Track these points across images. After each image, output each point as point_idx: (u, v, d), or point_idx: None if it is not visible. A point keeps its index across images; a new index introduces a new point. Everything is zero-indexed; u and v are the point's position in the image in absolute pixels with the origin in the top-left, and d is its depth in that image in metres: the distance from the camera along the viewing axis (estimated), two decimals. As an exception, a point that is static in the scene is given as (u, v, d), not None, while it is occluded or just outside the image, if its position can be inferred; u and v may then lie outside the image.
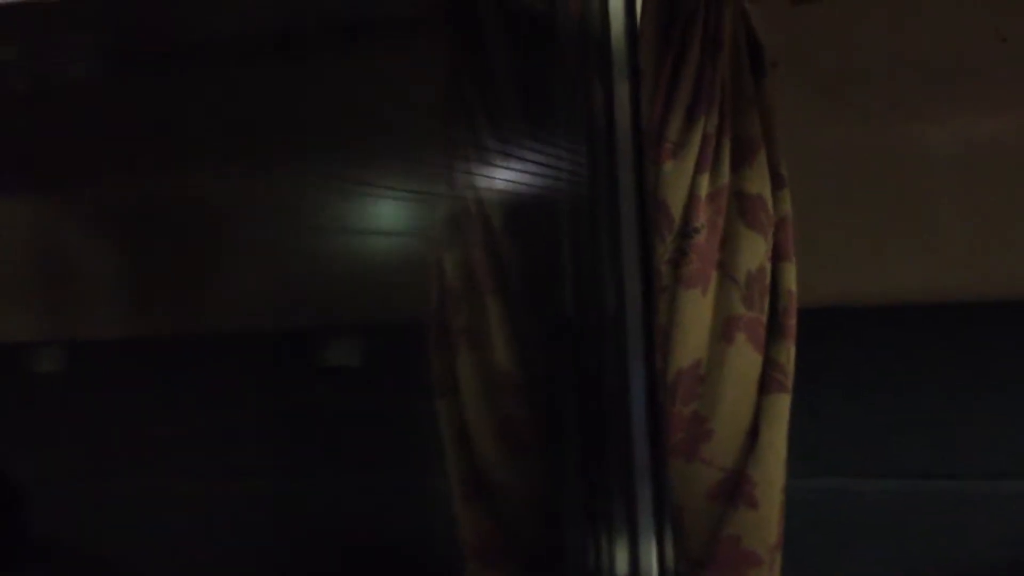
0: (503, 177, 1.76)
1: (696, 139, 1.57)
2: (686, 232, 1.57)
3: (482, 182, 1.74)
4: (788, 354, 1.59)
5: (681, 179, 1.57)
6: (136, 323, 2.99)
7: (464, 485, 1.76)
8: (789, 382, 1.59)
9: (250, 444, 2.65)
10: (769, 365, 1.58)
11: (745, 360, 1.57)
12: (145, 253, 3.00)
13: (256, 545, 2.57)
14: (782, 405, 1.58)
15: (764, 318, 1.59)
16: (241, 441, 2.66)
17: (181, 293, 2.91)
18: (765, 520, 1.56)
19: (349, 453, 2.60)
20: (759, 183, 1.61)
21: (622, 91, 1.75)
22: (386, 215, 2.63)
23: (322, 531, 2.56)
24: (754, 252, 1.59)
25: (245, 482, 2.68)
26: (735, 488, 1.57)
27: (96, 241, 3.08)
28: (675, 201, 1.58)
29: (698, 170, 1.57)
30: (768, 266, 1.60)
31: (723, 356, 1.57)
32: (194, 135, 2.80)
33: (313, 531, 2.57)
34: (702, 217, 1.57)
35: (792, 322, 1.60)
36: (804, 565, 1.76)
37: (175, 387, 2.75)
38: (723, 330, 1.58)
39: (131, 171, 2.88)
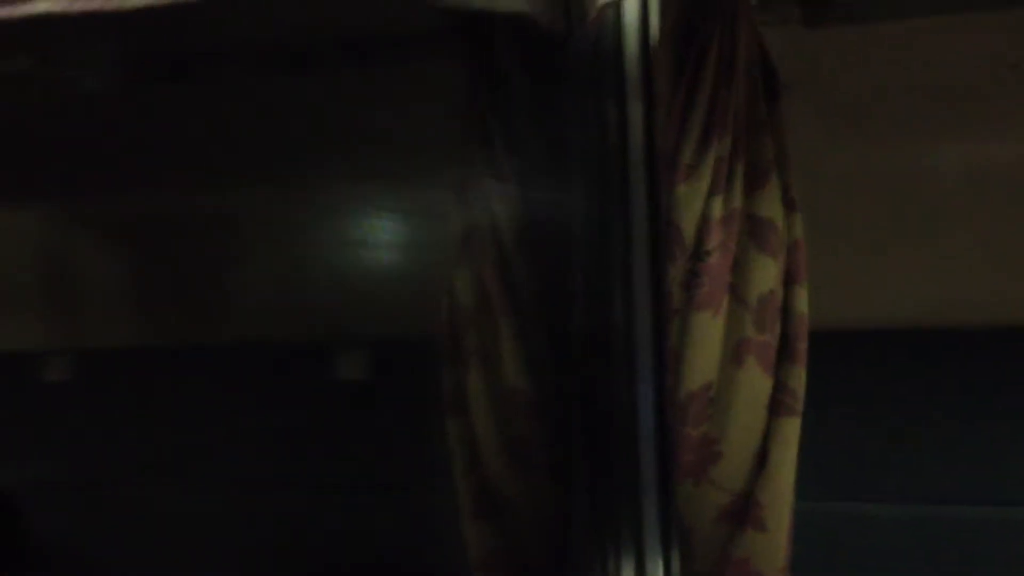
0: (516, 196, 1.76)
1: (710, 162, 1.58)
2: (698, 255, 1.58)
3: (495, 201, 1.75)
4: (798, 378, 1.59)
5: (694, 202, 1.58)
6: (145, 332, 3.00)
7: (472, 502, 1.77)
8: (799, 406, 1.59)
9: (260, 456, 2.66)
10: (779, 388, 1.59)
11: (755, 383, 1.57)
12: (160, 264, 3.02)
13: (260, 555, 2.57)
14: (792, 428, 1.58)
15: (775, 341, 1.59)
16: (250, 452, 2.67)
17: (196, 303, 2.93)
18: (773, 543, 1.56)
19: (357, 467, 2.61)
20: (771, 207, 1.61)
21: (636, 113, 1.75)
22: (399, 232, 2.64)
23: (326, 544, 2.57)
24: (766, 275, 1.59)
25: (253, 493, 2.69)
26: (744, 511, 1.57)
27: (107, 252, 3.09)
28: (688, 224, 1.58)
29: (711, 193, 1.58)
30: (779, 290, 1.60)
31: (733, 379, 1.58)
32: (210, 150, 2.83)
33: (318, 544, 2.58)
34: (714, 240, 1.57)
35: (803, 346, 1.60)
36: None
37: (187, 396, 2.77)
38: (734, 353, 1.58)
39: (149, 184, 2.90)
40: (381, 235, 2.75)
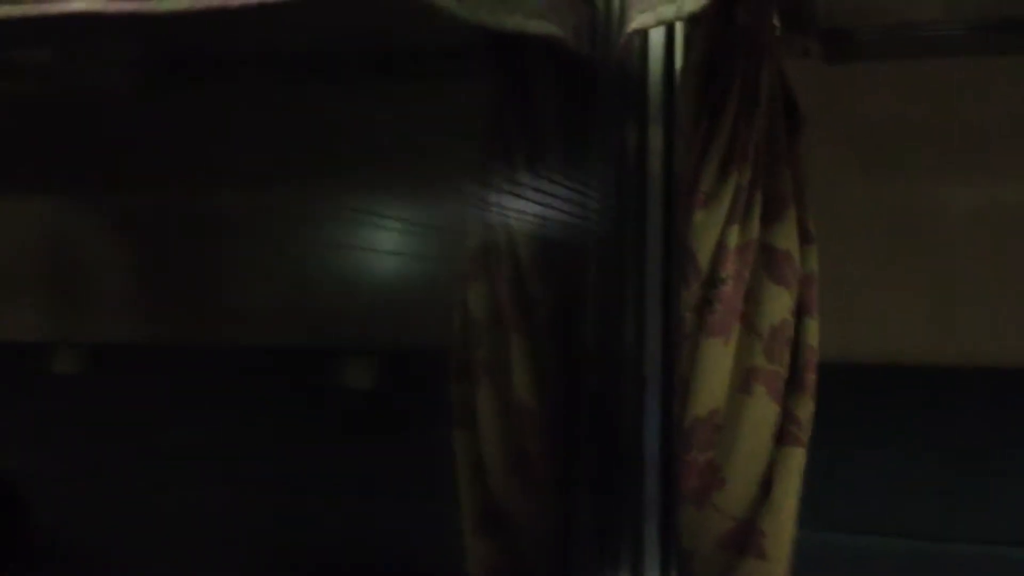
0: (534, 214, 1.78)
1: (728, 191, 1.59)
2: (712, 282, 1.59)
3: (514, 218, 1.77)
4: (806, 409, 1.60)
5: (711, 229, 1.59)
6: (156, 331, 3.02)
7: (476, 516, 1.78)
8: (805, 437, 1.60)
9: (263, 459, 2.67)
10: (787, 418, 1.60)
11: (763, 412, 1.59)
12: (173, 264, 3.03)
13: (260, 558, 2.58)
14: (797, 459, 1.59)
15: (784, 372, 1.60)
16: (254, 455, 2.68)
17: (207, 305, 2.94)
18: (773, 572, 1.57)
19: (359, 475, 2.62)
20: (788, 238, 1.63)
21: (656, 138, 1.78)
22: (414, 243, 2.66)
23: (328, 551, 2.57)
24: (778, 306, 1.60)
25: (256, 496, 2.69)
26: (745, 538, 1.58)
27: (120, 250, 3.11)
28: (703, 250, 1.60)
29: (728, 222, 1.59)
30: (791, 321, 1.61)
31: (741, 407, 1.59)
32: (228, 153, 2.84)
33: (319, 550, 2.58)
34: (729, 268, 1.58)
35: (812, 377, 1.61)
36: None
37: (193, 396, 2.78)
38: (743, 381, 1.59)
39: (165, 184, 2.92)
40: (396, 245, 2.77)
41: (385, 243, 2.77)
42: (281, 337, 2.84)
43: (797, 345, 1.62)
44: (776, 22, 1.71)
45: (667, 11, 1.47)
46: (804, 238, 1.65)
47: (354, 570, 2.53)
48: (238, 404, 2.79)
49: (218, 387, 2.79)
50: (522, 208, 1.78)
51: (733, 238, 1.59)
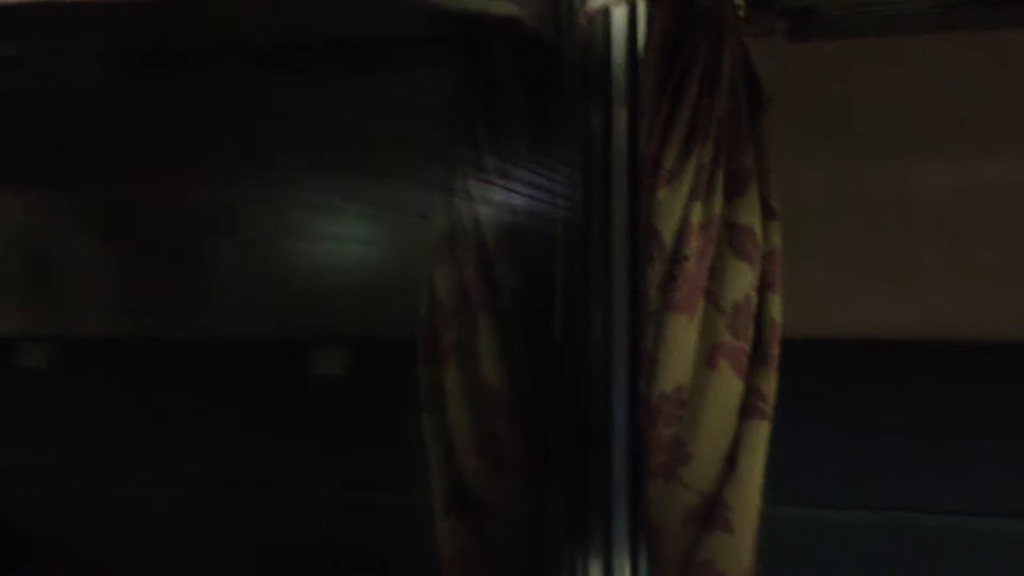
0: (499, 197, 1.78)
1: (691, 169, 1.60)
2: (676, 259, 1.60)
3: (480, 202, 1.77)
4: (770, 383, 1.62)
5: (674, 207, 1.60)
6: (123, 324, 3.00)
7: (445, 499, 1.78)
8: (769, 410, 1.61)
9: (235, 449, 2.67)
10: (751, 392, 1.61)
11: (727, 387, 1.60)
12: (141, 256, 3.02)
13: (234, 547, 2.58)
14: (762, 432, 1.61)
15: (748, 347, 1.62)
16: (226, 445, 2.68)
17: (175, 297, 2.94)
18: (739, 545, 1.58)
19: (330, 462, 2.62)
20: (750, 214, 1.64)
21: (620, 119, 1.78)
22: (380, 229, 2.66)
23: (301, 538, 2.57)
24: (742, 282, 1.62)
25: (228, 487, 2.69)
26: (711, 512, 1.59)
27: (86, 243, 3.10)
28: (667, 228, 1.60)
29: (691, 199, 1.60)
30: (755, 296, 1.63)
31: (706, 382, 1.60)
32: (195, 145, 2.83)
33: (292, 537, 2.58)
34: (693, 245, 1.60)
35: (775, 352, 1.63)
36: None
37: (163, 388, 2.77)
38: (707, 356, 1.60)
39: (133, 177, 2.91)
40: (363, 233, 2.77)
41: (354, 232, 2.77)
42: (251, 328, 2.83)
43: (761, 320, 1.64)
44: (739, 1, 1.71)
45: (629, -11, 1.48)
46: (767, 214, 1.66)
47: (327, 559, 2.53)
48: (212, 396, 2.78)
49: (189, 379, 2.79)
50: (488, 191, 1.78)
51: (696, 215, 1.60)
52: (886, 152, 2.39)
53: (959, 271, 2.35)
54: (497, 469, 1.75)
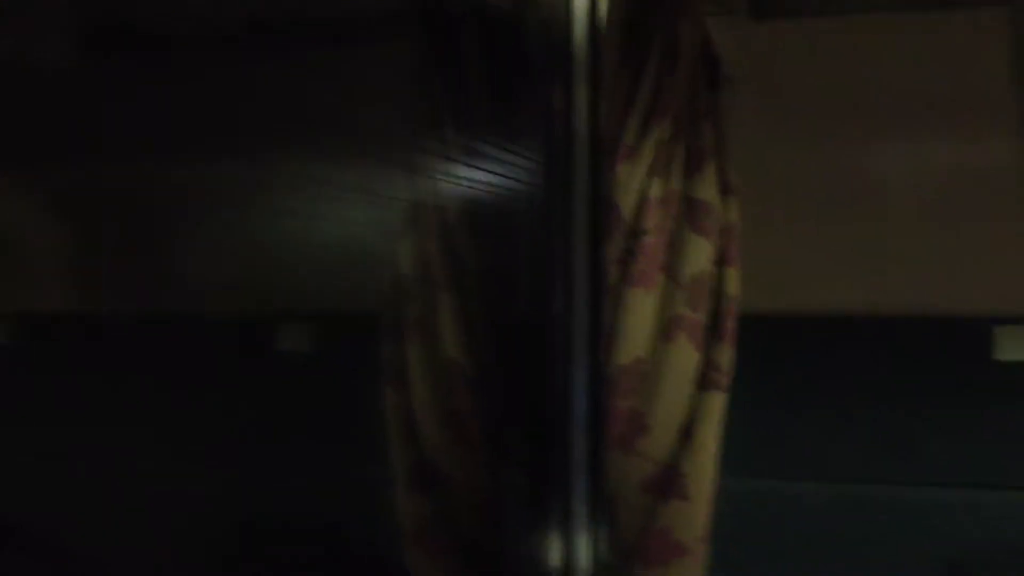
0: (461, 173, 1.79)
1: (651, 144, 1.63)
2: (635, 233, 1.62)
3: (441, 177, 1.78)
4: (726, 355, 1.65)
5: (634, 182, 1.62)
6: (85, 299, 2.99)
7: (407, 474, 1.79)
8: (726, 382, 1.64)
9: (194, 429, 2.66)
10: (708, 364, 1.64)
11: (685, 359, 1.62)
12: (102, 233, 3.00)
13: (197, 524, 2.58)
14: (718, 403, 1.63)
15: (705, 320, 1.64)
16: (192, 423, 2.67)
17: (138, 273, 2.92)
18: (695, 513, 1.61)
19: (296, 438, 2.62)
20: (709, 190, 1.66)
21: (582, 95, 1.79)
22: (344, 206, 2.65)
23: (263, 515, 2.57)
24: (700, 256, 1.64)
25: (192, 464, 2.68)
26: (668, 481, 1.62)
27: (47, 218, 3.07)
28: (627, 203, 1.62)
29: (651, 174, 1.62)
30: (712, 270, 1.65)
31: (664, 354, 1.62)
32: (156, 123, 2.82)
33: (254, 515, 2.58)
34: (652, 220, 1.62)
35: (732, 325, 1.65)
36: (734, 562, 1.81)
37: (126, 366, 2.76)
38: (666, 329, 1.63)
39: (93, 154, 2.89)
40: (327, 210, 2.76)
41: (321, 209, 2.77)
42: (218, 306, 2.82)
43: (718, 294, 1.66)
44: (700, -21, 1.73)
45: (588, -35, 1.49)
46: (725, 190, 1.69)
47: (293, 534, 2.54)
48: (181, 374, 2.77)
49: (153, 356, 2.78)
50: (451, 168, 1.79)
51: (656, 190, 1.63)
52: (845, 131, 2.42)
53: (917, 249, 2.39)
54: (458, 443, 1.76)
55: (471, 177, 1.79)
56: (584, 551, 1.71)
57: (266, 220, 2.77)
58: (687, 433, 1.63)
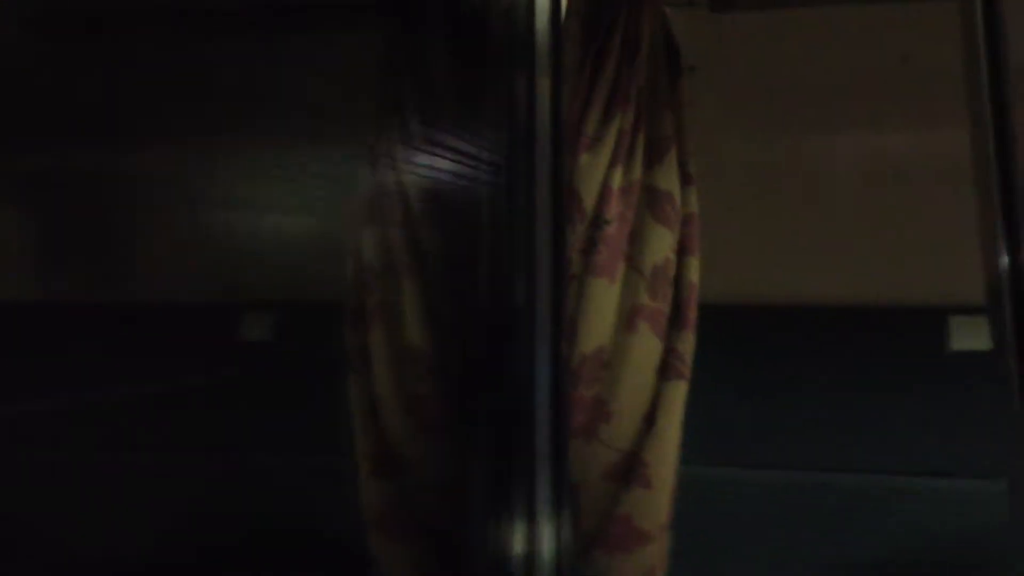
0: (425, 161, 1.79)
1: (612, 134, 1.64)
2: (597, 223, 1.63)
3: (405, 165, 1.78)
4: (688, 344, 1.66)
5: (595, 172, 1.64)
6: (48, 287, 2.95)
7: (370, 460, 1.80)
8: (687, 370, 1.66)
9: (166, 415, 2.65)
10: (669, 353, 1.65)
11: (647, 348, 1.64)
12: (65, 220, 2.97)
13: (161, 515, 2.56)
14: (679, 391, 1.65)
15: (667, 309, 1.66)
16: (154, 411, 2.65)
17: (101, 261, 2.89)
18: (657, 500, 1.63)
19: (261, 426, 2.61)
20: (669, 180, 1.68)
21: (544, 85, 1.79)
22: (308, 192, 2.64)
23: (227, 504, 2.56)
24: (661, 245, 1.66)
25: (154, 453, 2.67)
26: (630, 469, 1.63)
27: (9, 206, 3.04)
28: (588, 193, 1.64)
29: (612, 164, 1.64)
30: (673, 259, 1.67)
31: (626, 343, 1.64)
32: (119, 108, 2.79)
33: (218, 503, 2.57)
34: (613, 209, 1.63)
35: (693, 314, 1.67)
36: (695, 549, 1.83)
37: (88, 354, 2.73)
38: (627, 318, 1.64)
39: (56, 140, 2.86)
40: (291, 198, 2.75)
41: (283, 196, 2.76)
42: (180, 293, 2.80)
43: (679, 283, 1.68)
44: (659, -30, 1.74)
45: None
46: (685, 179, 1.70)
47: (255, 524, 2.53)
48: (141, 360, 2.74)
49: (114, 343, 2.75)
50: (414, 156, 1.79)
51: (617, 180, 1.64)
52: (802, 122, 2.45)
53: (870, 239, 2.42)
54: (421, 430, 1.77)
55: (434, 165, 1.80)
56: (547, 538, 1.72)
57: (225, 209, 2.75)
58: (649, 421, 1.64)
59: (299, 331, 2.69)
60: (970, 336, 2.34)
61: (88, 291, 2.89)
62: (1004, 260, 1.39)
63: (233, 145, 2.68)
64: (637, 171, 1.66)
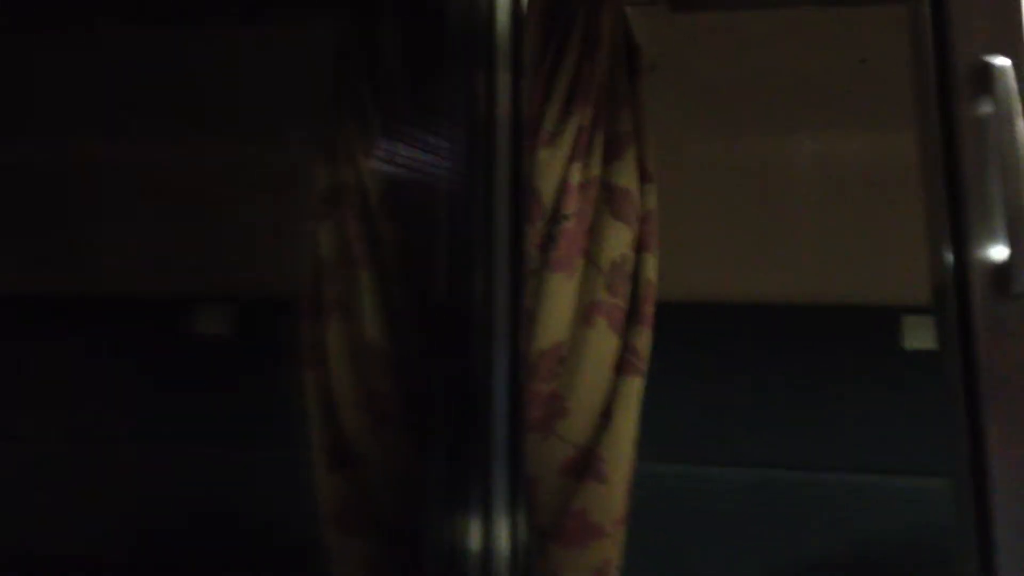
0: (383, 155, 1.79)
1: (571, 130, 1.64)
2: (556, 218, 1.64)
3: (362, 159, 1.78)
4: (645, 340, 1.67)
5: (554, 167, 1.64)
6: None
7: (327, 455, 1.79)
8: (644, 366, 1.67)
9: (115, 409, 2.62)
10: (626, 349, 1.66)
11: (604, 344, 1.64)
12: (19, 212, 2.93)
13: (113, 510, 2.54)
14: (636, 387, 1.66)
15: (624, 305, 1.67)
16: (106, 406, 2.63)
17: (54, 253, 2.86)
18: (612, 495, 1.63)
19: (214, 422, 2.59)
20: (628, 177, 1.69)
21: (504, 81, 1.79)
22: (264, 183, 2.63)
23: (182, 499, 2.55)
24: (619, 242, 1.67)
25: (108, 448, 2.64)
26: (586, 464, 1.64)
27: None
28: (547, 188, 1.64)
29: (571, 160, 1.64)
30: (631, 256, 1.68)
31: (584, 339, 1.64)
32: (76, 100, 2.76)
33: (174, 499, 2.55)
34: (572, 205, 1.64)
35: (650, 310, 1.68)
36: (650, 545, 1.85)
37: (42, 347, 2.71)
38: (585, 314, 1.65)
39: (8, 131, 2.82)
40: (247, 191, 2.73)
41: (240, 189, 2.74)
42: (131, 285, 2.78)
43: (637, 279, 1.69)
44: (619, -32, 1.75)
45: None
46: (644, 177, 1.71)
47: (213, 520, 2.52)
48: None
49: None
50: (372, 148, 1.78)
51: (575, 176, 1.64)
52: (758, 121, 2.47)
53: (829, 238, 2.44)
54: (378, 425, 1.77)
55: (392, 160, 1.79)
56: (503, 533, 1.72)
57: (182, 200, 2.73)
58: (606, 417, 1.65)
59: (255, 325, 2.68)
60: (922, 335, 2.38)
61: (43, 282, 2.86)
62: (949, 260, 1.41)
63: (189, 136, 2.66)
64: (596, 167, 1.66)
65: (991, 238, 1.39)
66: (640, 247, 1.69)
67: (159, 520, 2.56)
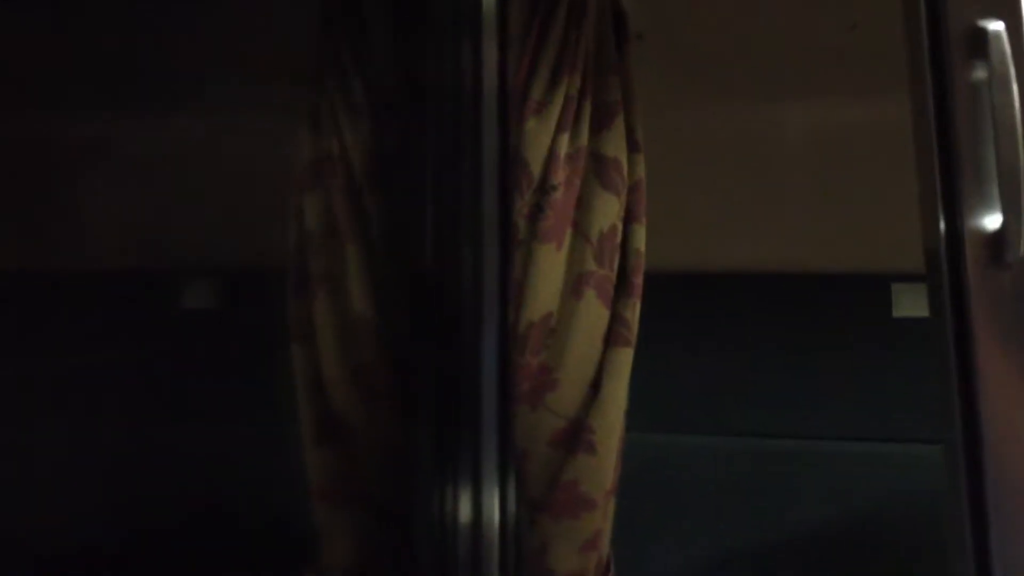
0: (368, 126, 1.77)
1: (559, 99, 1.63)
2: (544, 189, 1.62)
3: (347, 129, 1.76)
4: (634, 311, 1.66)
5: (542, 137, 1.63)
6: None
7: (315, 429, 1.78)
8: (633, 337, 1.66)
9: (105, 384, 2.61)
10: (615, 320, 1.65)
11: (593, 315, 1.64)
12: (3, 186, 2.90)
13: (104, 484, 2.53)
14: (625, 358, 1.65)
15: (613, 275, 1.66)
16: (96, 381, 2.61)
17: (40, 228, 2.83)
18: (602, 466, 1.63)
19: (201, 396, 2.58)
20: (616, 146, 1.67)
21: (490, 49, 1.78)
22: (249, 155, 2.60)
23: (170, 474, 2.54)
24: (607, 212, 1.65)
25: (98, 423, 2.63)
26: (576, 435, 1.64)
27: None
28: (535, 158, 1.63)
29: (559, 130, 1.63)
30: (620, 226, 1.67)
31: (573, 310, 1.64)
32: (60, 73, 2.72)
33: (162, 473, 2.55)
34: (560, 175, 1.62)
35: (639, 281, 1.67)
36: (640, 516, 1.85)
37: (30, 322, 2.68)
38: (574, 285, 1.64)
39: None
40: (231, 163, 2.71)
41: (224, 158, 2.71)
42: (114, 259, 2.75)
43: (625, 250, 1.68)
44: (606, -66, 1.73)
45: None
46: (632, 146, 1.70)
47: (198, 496, 2.51)
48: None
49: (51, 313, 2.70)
50: (356, 119, 1.76)
51: (563, 146, 1.63)
52: (748, 88, 2.45)
53: (819, 206, 2.44)
54: (366, 399, 1.76)
55: (379, 129, 1.77)
56: (493, 505, 1.72)
57: (170, 173, 2.70)
58: (595, 388, 1.64)
59: (242, 299, 2.66)
60: (912, 303, 2.38)
61: (27, 257, 2.84)
62: (942, 227, 1.41)
63: (171, 106, 2.62)
64: (584, 137, 1.65)
65: (985, 205, 1.38)
66: (629, 217, 1.68)
67: (144, 497, 2.55)
